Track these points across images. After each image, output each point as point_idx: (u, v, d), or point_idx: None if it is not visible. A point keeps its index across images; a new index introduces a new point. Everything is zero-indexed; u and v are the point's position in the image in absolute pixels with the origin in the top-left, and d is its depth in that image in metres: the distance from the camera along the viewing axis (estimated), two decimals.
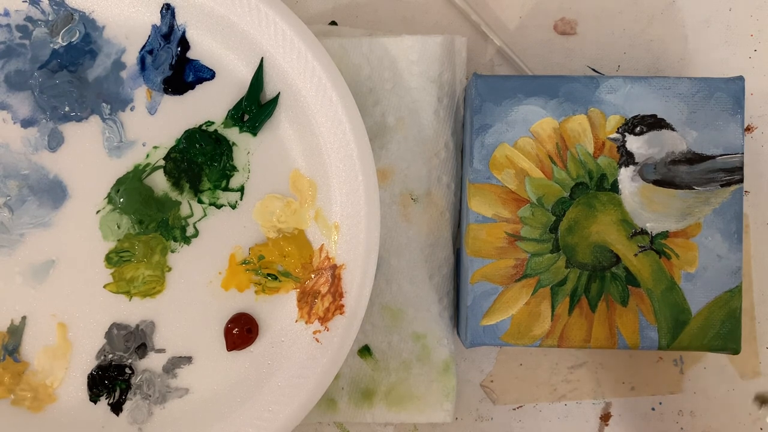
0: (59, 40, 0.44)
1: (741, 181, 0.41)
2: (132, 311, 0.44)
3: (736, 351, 0.41)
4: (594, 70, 0.47)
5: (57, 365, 0.44)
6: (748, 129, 0.47)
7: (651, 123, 0.41)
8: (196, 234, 0.44)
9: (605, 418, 0.47)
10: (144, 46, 0.44)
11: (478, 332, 0.41)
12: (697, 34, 0.47)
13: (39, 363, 0.44)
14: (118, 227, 0.44)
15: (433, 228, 0.45)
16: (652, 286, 0.41)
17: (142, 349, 0.44)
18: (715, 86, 0.41)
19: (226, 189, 0.44)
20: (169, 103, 0.44)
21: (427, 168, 0.45)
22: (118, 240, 0.44)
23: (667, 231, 0.41)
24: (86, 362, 0.44)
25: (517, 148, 0.42)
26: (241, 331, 0.43)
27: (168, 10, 0.44)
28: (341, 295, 0.43)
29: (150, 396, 0.44)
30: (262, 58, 0.44)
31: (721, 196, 0.41)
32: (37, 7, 0.44)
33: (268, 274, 0.44)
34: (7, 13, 0.44)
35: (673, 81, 0.41)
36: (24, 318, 0.44)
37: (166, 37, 0.44)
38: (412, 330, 0.45)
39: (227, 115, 0.44)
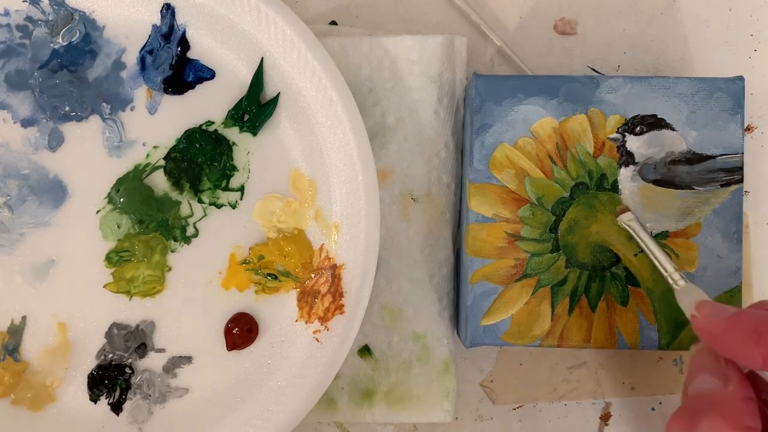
0: (59, 40, 0.44)
1: (741, 181, 0.41)
2: (132, 311, 0.44)
3: None
4: (594, 70, 0.47)
5: (57, 365, 0.44)
6: (748, 129, 0.47)
7: (651, 123, 0.41)
8: (196, 234, 0.44)
9: (605, 418, 0.47)
10: (144, 46, 0.44)
11: (478, 332, 0.41)
12: (697, 34, 0.47)
13: (39, 363, 0.44)
14: (118, 227, 0.44)
15: (433, 228, 0.45)
16: (652, 286, 0.41)
17: (142, 348, 0.44)
18: (715, 86, 0.41)
19: (226, 189, 0.44)
20: (169, 102, 0.44)
21: (427, 168, 0.45)
22: (118, 240, 0.44)
23: (667, 231, 0.41)
24: (86, 362, 0.44)
25: (517, 148, 0.42)
26: (241, 331, 0.43)
27: (168, 10, 0.44)
28: (341, 295, 0.43)
29: (150, 396, 0.44)
30: (262, 58, 0.44)
31: (721, 196, 0.41)
32: (37, 7, 0.44)
33: (268, 274, 0.44)
34: (7, 13, 0.44)
35: (673, 81, 0.41)
36: (24, 318, 0.44)
37: (166, 37, 0.44)
38: (412, 330, 0.45)
39: (227, 115, 0.44)
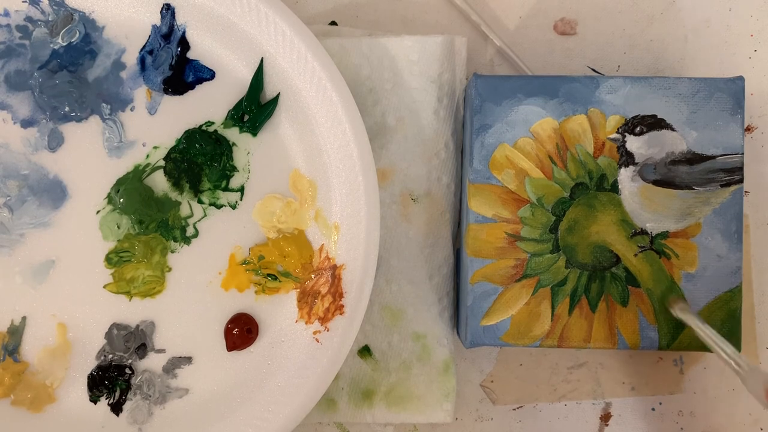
0: (59, 41, 0.44)
1: (741, 181, 0.41)
2: (132, 311, 0.44)
3: None
4: (594, 70, 0.47)
5: (57, 365, 0.44)
6: (748, 129, 0.47)
7: (651, 123, 0.41)
8: (196, 234, 0.44)
9: (605, 418, 0.47)
10: (144, 47, 0.44)
11: (478, 332, 0.41)
12: (697, 34, 0.47)
13: (39, 363, 0.44)
14: (118, 227, 0.44)
15: (433, 228, 0.45)
16: (652, 286, 0.41)
17: (142, 349, 0.44)
18: (715, 86, 0.41)
19: (226, 189, 0.44)
20: (169, 103, 0.44)
21: (427, 168, 0.45)
22: (118, 240, 0.44)
23: (667, 231, 0.41)
24: (86, 362, 0.44)
25: (517, 149, 0.42)
26: (241, 332, 0.43)
27: (168, 11, 0.44)
28: (341, 296, 0.43)
29: (150, 396, 0.44)
30: (262, 58, 0.44)
31: (721, 196, 0.41)
32: (37, 8, 0.44)
33: (268, 275, 0.44)
34: (7, 14, 0.44)
35: (673, 81, 0.41)
36: (24, 318, 0.44)
37: (166, 37, 0.44)
38: (412, 330, 0.45)
39: (227, 115, 0.44)
